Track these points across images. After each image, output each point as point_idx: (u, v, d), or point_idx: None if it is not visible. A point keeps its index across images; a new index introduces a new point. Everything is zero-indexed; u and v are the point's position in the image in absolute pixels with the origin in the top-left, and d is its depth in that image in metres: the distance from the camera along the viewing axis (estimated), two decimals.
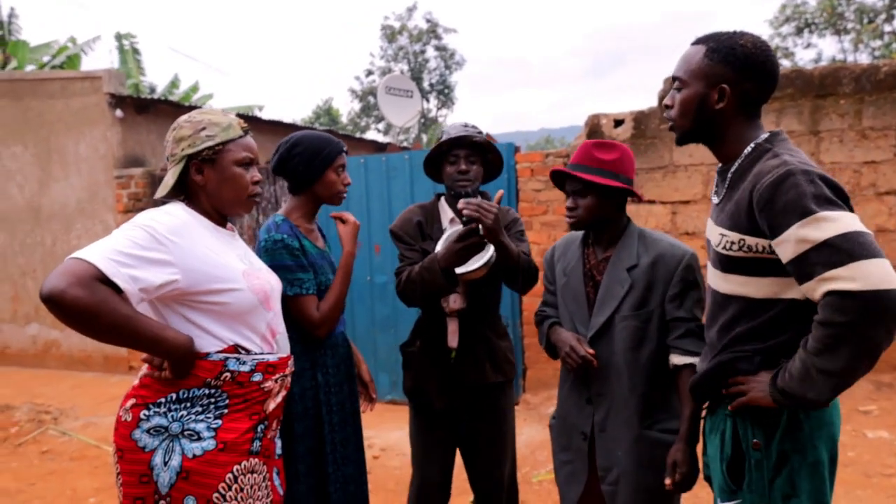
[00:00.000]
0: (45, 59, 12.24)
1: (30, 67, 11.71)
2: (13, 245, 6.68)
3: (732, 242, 1.36)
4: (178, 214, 1.51)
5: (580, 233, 1.97)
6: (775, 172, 1.27)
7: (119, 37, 13.55)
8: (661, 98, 4.42)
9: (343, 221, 2.09)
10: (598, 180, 1.77)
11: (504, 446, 2.25)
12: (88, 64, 15.58)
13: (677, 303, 1.76)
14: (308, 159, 1.97)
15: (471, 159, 2.18)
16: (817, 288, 1.21)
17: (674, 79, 1.46)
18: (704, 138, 1.47)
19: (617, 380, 1.79)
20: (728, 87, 1.38)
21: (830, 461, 1.37)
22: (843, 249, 1.18)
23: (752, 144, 1.39)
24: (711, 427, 1.50)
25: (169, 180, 1.56)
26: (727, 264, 1.40)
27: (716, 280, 1.46)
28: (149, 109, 6.49)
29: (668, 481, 1.66)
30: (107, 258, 1.32)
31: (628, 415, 1.77)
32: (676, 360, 1.74)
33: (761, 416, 1.35)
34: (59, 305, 1.26)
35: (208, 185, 1.58)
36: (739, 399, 1.37)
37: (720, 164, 1.48)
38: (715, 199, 1.47)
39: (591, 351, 1.78)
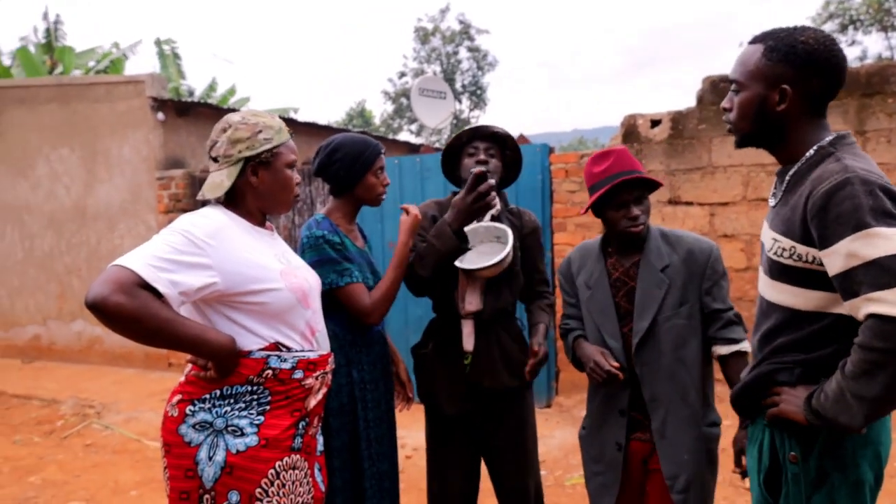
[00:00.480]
0: (91, 63, 12.65)
1: (76, 72, 12.10)
2: (60, 244, 6.91)
3: (784, 249, 1.30)
4: (215, 217, 1.54)
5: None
6: (833, 179, 1.20)
7: (159, 42, 13.91)
8: (700, 98, 4.35)
9: (407, 213, 2.07)
10: (660, 183, 1.86)
11: (525, 453, 2.17)
12: (130, 68, 16.04)
13: (713, 295, 1.80)
14: (348, 165, 2.00)
15: (490, 152, 2.15)
16: (861, 307, 1.16)
17: (730, 81, 1.41)
18: (766, 141, 1.40)
19: (669, 382, 1.78)
20: (789, 87, 1.30)
21: (875, 481, 1.31)
22: (892, 271, 1.11)
23: (815, 147, 1.32)
24: (751, 437, 1.46)
25: (225, 182, 1.57)
26: (777, 271, 1.34)
27: (764, 287, 1.40)
28: (189, 112, 6.65)
29: (736, 470, 1.66)
30: (147, 264, 1.35)
31: (688, 414, 1.77)
32: (722, 350, 1.76)
33: (799, 430, 1.31)
34: (103, 312, 1.30)
35: (261, 187, 1.61)
36: (772, 410, 1.33)
37: (780, 166, 1.42)
38: (772, 202, 1.42)
39: (615, 364, 1.78)
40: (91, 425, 4.76)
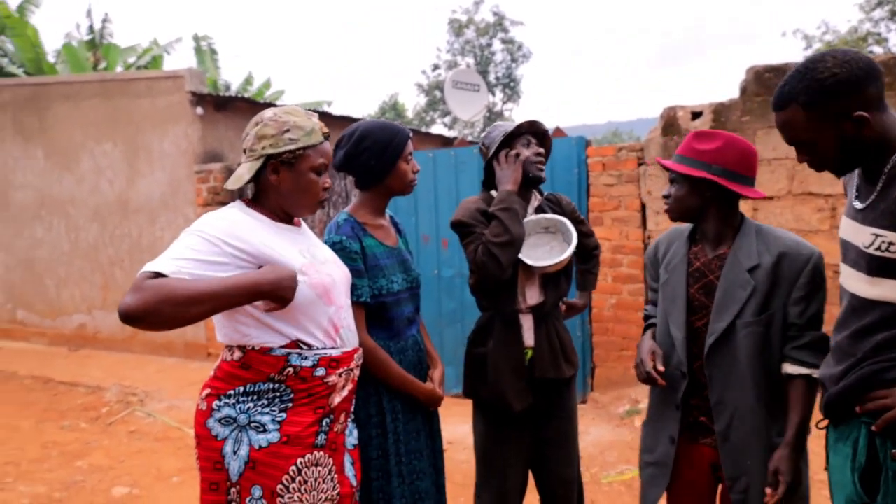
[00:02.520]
0: (131, 60, 12.95)
1: (118, 69, 12.40)
2: (104, 237, 7.10)
3: (892, 243, 1.28)
4: (231, 216, 1.54)
5: (685, 228, 1.89)
6: None
7: (197, 38, 14.16)
8: (744, 89, 4.23)
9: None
10: (680, 169, 1.74)
11: (575, 443, 2.22)
12: (170, 65, 16.38)
13: (801, 308, 1.65)
14: (378, 153, 1.89)
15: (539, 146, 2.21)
16: None
17: (793, 142, 1.40)
18: (862, 161, 1.37)
19: (741, 389, 1.68)
20: (862, 111, 1.29)
21: None
22: None
23: None
24: (839, 437, 1.41)
25: (245, 175, 1.56)
26: (880, 267, 1.31)
27: (858, 284, 1.36)
28: (226, 107, 6.75)
29: (768, 492, 1.57)
30: (169, 264, 1.37)
31: (757, 424, 1.67)
32: (791, 369, 1.65)
33: None
34: (133, 317, 1.29)
35: (282, 187, 1.59)
36: (886, 416, 1.27)
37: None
38: (859, 203, 1.38)
39: (660, 368, 1.73)
40: (134, 412, 4.90)
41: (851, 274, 1.39)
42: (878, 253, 1.30)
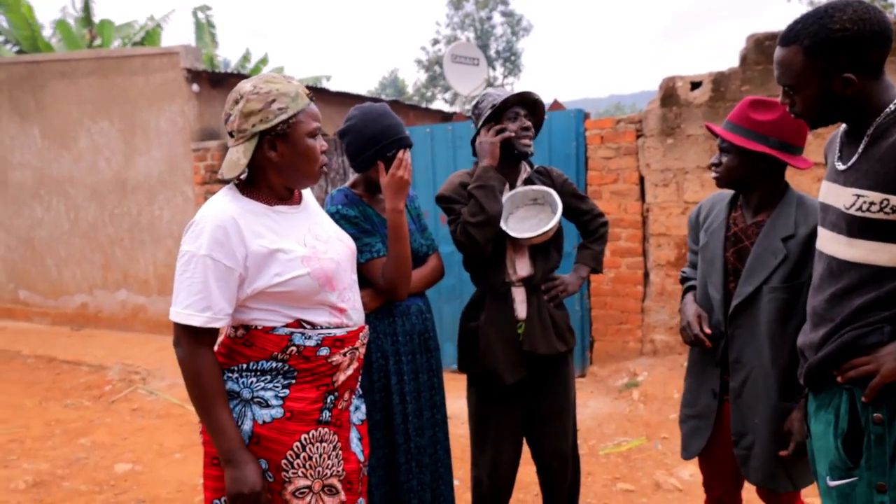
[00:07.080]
0: (133, 32, 12.78)
1: (116, 44, 12.26)
2: (103, 216, 7.10)
3: (872, 203, 1.27)
4: (221, 218, 1.43)
5: (728, 193, 1.90)
6: None
7: (195, 11, 13.96)
8: (744, 57, 4.16)
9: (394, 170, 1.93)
10: (736, 140, 1.72)
11: (569, 417, 2.22)
12: (167, 39, 16.19)
13: None
14: (351, 155, 1.97)
15: (529, 118, 2.17)
16: None
17: (782, 83, 1.38)
18: (839, 119, 1.38)
19: (758, 350, 1.74)
20: (850, 73, 1.28)
21: None
22: None
23: None
24: (819, 404, 1.42)
25: (241, 159, 1.47)
26: (860, 228, 1.30)
27: (836, 246, 1.36)
28: (223, 83, 6.68)
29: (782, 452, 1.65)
30: (192, 313, 1.41)
31: (767, 386, 1.73)
32: None
33: (885, 388, 1.27)
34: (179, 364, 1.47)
35: (281, 161, 1.49)
36: (872, 384, 1.27)
37: (845, 126, 1.39)
38: (840, 164, 1.37)
39: (707, 331, 1.79)
40: (137, 390, 4.94)
41: (830, 237, 1.39)
42: (858, 213, 1.30)
